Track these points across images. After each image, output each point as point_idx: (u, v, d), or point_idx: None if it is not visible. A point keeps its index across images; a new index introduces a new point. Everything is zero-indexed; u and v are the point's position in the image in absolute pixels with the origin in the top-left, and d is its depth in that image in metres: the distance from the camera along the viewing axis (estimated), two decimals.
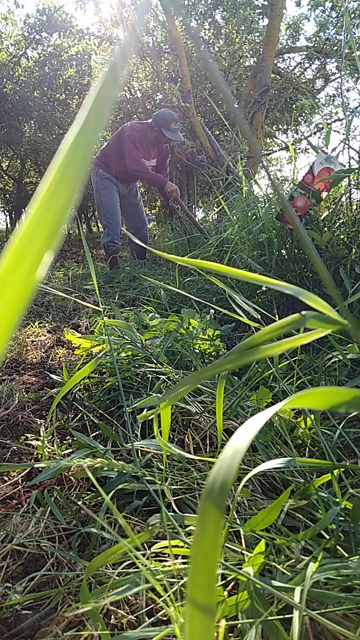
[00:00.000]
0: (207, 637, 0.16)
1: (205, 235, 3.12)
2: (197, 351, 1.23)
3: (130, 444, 0.78)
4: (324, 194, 1.46)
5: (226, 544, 0.54)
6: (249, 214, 1.93)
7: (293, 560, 0.51)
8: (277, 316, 1.13)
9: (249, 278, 0.30)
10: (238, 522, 0.61)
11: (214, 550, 0.16)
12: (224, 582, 0.51)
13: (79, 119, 0.15)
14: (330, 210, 1.49)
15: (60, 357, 1.48)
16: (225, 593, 0.48)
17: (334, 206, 1.50)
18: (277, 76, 7.34)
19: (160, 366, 1.07)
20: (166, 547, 0.54)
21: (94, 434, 0.95)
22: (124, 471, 0.63)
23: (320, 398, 0.26)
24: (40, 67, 7.05)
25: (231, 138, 4.47)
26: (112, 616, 0.52)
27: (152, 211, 8.51)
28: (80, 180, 0.14)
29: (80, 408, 1.06)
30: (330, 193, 1.53)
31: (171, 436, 0.89)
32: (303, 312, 0.26)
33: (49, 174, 0.14)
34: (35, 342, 1.65)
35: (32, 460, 0.87)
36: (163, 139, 3.03)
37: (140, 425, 0.91)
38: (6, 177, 9.68)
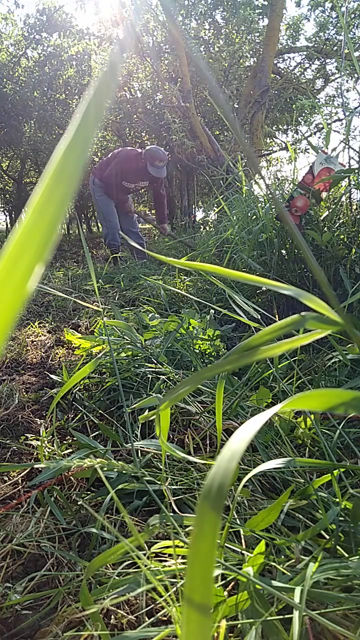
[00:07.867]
0: (204, 637, 0.16)
1: (174, 236, 3.74)
2: (197, 351, 1.23)
3: (130, 444, 0.78)
4: (324, 194, 1.46)
5: (226, 544, 0.54)
6: (249, 214, 1.93)
7: (293, 560, 0.51)
8: (277, 316, 1.13)
9: (248, 280, 0.30)
10: (238, 522, 0.61)
11: (211, 553, 0.16)
12: (224, 582, 0.51)
13: (76, 117, 0.15)
14: (330, 210, 1.49)
15: (60, 357, 1.48)
16: (225, 593, 0.48)
17: (334, 206, 1.50)
18: (277, 76, 7.34)
19: (160, 366, 1.08)
20: (166, 547, 0.54)
21: (94, 434, 0.95)
22: (124, 471, 0.63)
23: (319, 400, 0.26)
24: (40, 67, 7.05)
25: (231, 138, 4.48)
26: (112, 616, 0.52)
27: (152, 211, 8.53)
28: (73, 186, 0.14)
29: (80, 408, 1.06)
30: (330, 193, 1.53)
31: (171, 436, 0.89)
32: (303, 313, 0.26)
33: (43, 180, 0.13)
34: (35, 342, 1.65)
35: (32, 460, 0.87)
36: (147, 172, 3.47)
37: (140, 426, 0.91)
38: (6, 177, 9.68)
